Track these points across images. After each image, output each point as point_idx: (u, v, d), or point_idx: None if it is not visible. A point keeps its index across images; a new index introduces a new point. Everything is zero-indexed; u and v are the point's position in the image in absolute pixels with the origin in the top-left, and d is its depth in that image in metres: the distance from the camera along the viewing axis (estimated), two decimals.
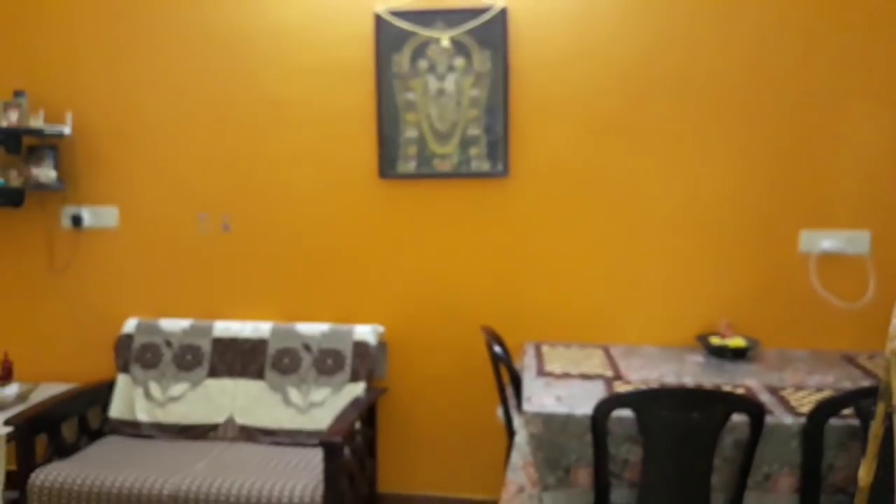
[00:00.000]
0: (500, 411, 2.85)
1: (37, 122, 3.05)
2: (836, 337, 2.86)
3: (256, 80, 3.10)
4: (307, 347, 3.01)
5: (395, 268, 3.11)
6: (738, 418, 2.00)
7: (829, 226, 2.84)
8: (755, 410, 1.97)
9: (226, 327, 3.10)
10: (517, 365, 2.71)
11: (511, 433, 2.52)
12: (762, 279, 2.90)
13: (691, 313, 2.95)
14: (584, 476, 2.09)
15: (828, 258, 2.85)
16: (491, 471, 3.08)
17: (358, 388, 2.92)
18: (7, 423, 2.62)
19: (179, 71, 3.15)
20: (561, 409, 2.10)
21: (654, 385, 2.32)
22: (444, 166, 2.98)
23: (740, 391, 2.25)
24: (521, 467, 2.09)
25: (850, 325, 2.85)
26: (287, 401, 2.95)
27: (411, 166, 3.00)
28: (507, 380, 2.52)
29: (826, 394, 2.22)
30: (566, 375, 2.45)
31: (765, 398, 2.18)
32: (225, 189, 3.17)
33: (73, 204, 3.24)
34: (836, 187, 2.83)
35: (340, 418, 2.64)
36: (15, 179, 3.07)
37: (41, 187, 3.09)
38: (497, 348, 2.48)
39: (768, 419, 2.00)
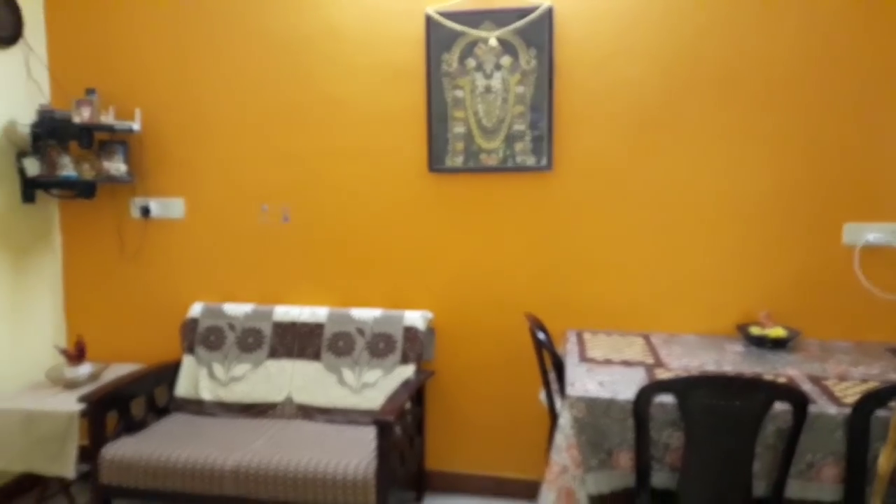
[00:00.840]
0: (542, 395, 2.95)
1: (108, 118, 3.22)
2: (881, 329, 2.88)
3: (314, 80, 3.23)
4: (361, 331, 3.15)
5: (443, 257, 3.23)
6: (780, 407, 2.04)
7: (874, 219, 2.85)
8: (798, 399, 1.99)
9: (285, 312, 3.26)
10: (559, 351, 2.81)
11: (553, 416, 2.61)
12: (804, 270, 2.93)
13: (731, 303, 3.00)
14: (625, 459, 2.16)
15: (872, 250, 2.86)
16: (533, 452, 3.20)
17: (408, 371, 3.06)
18: (80, 400, 2.77)
19: (242, 71, 3.29)
20: (604, 393, 2.18)
21: (695, 373, 2.38)
22: (490, 161, 3.08)
23: (782, 380, 2.30)
24: (564, 449, 2.18)
25: (895, 317, 2.87)
26: (342, 381, 3.10)
27: (459, 161, 3.11)
28: (550, 365, 2.61)
29: (871, 385, 2.23)
30: (608, 362, 2.53)
31: (807, 388, 2.21)
32: (285, 182, 3.31)
33: (141, 196, 3.43)
34: (880, 180, 2.84)
35: (392, 398, 2.77)
36: (88, 172, 3.25)
37: (112, 180, 3.27)
38: (541, 334, 2.58)
39: (812, 408, 2.03)
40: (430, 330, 3.22)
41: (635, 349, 2.72)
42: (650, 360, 2.55)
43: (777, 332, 2.75)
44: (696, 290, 3.03)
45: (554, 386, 2.66)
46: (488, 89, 3.04)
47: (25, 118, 3.26)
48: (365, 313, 3.19)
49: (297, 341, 3.20)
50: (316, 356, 3.16)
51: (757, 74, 2.89)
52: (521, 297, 3.17)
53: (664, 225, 3.03)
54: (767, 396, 2.02)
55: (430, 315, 3.20)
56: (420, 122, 3.15)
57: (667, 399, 2.10)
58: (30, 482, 3.29)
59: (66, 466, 2.86)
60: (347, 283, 3.32)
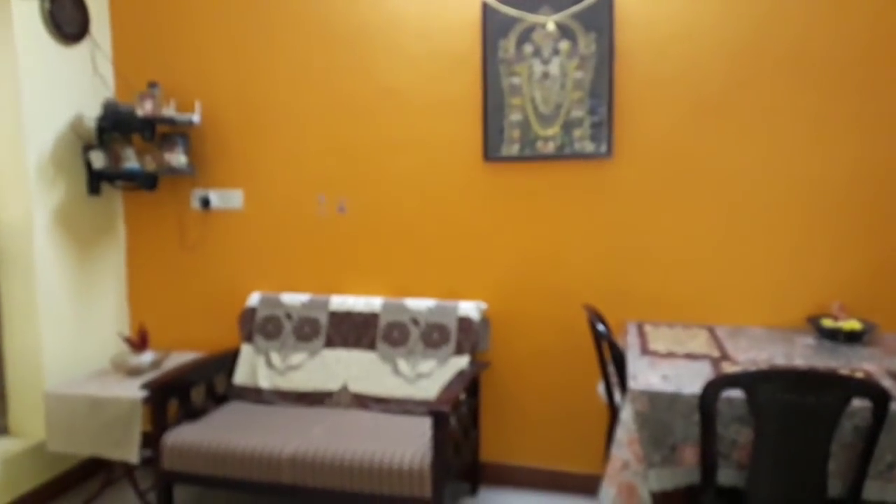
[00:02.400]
0: (600, 388, 2.89)
1: (169, 111, 3.28)
2: None
3: (371, 70, 3.23)
4: (415, 321, 3.14)
5: (498, 247, 3.19)
6: (858, 403, 1.94)
7: None
8: (879, 396, 1.89)
9: (341, 301, 3.27)
10: (620, 343, 2.74)
11: (612, 410, 2.55)
12: (882, 260, 2.79)
13: (801, 294, 2.88)
14: (690, 455, 2.10)
15: None
16: (590, 445, 3.14)
17: (462, 361, 3.03)
18: (143, 387, 2.83)
19: (300, 62, 3.31)
20: (668, 387, 2.12)
21: (764, 366, 2.29)
22: (547, 148, 3.02)
23: (859, 375, 2.19)
24: (626, 444, 2.13)
25: None
26: (396, 371, 3.10)
27: (515, 149, 3.06)
28: (609, 357, 2.55)
29: None
30: (671, 355, 2.46)
31: (887, 384, 2.10)
32: (341, 173, 3.32)
33: (201, 187, 3.49)
34: None
35: (447, 389, 2.74)
36: (149, 164, 3.32)
37: (173, 171, 3.33)
38: (600, 326, 2.52)
39: (894, 406, 1.93)
40: (485, 321, 3.19)
41: (699, 342, 2.63)
42: (716, 354, 2.47)
43: (852, 324, 2.63)
44: (763, 280, 2.91)
45: (613, 379, 2.60)
46: (546, 75, 2.99)
47: (91, 112, 3.35)
48: (419, 303, 3.18)
49: (353, 331, 3.21)
50: (371, 346, 3.17)
51: (829, 54, 2.76)
52: (578, 288, 3.11)
53: (730, 212, 2.92)
54: (845, 392, 1.92)
55: (484, 306, 3.16)
56: (476, 110, 3.11)
57: (735, 394, 2.02)
58: (96, 466, 3.39)
59: (131, 451, 2.93)
60: (402, 274, 3.31)
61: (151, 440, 2.84)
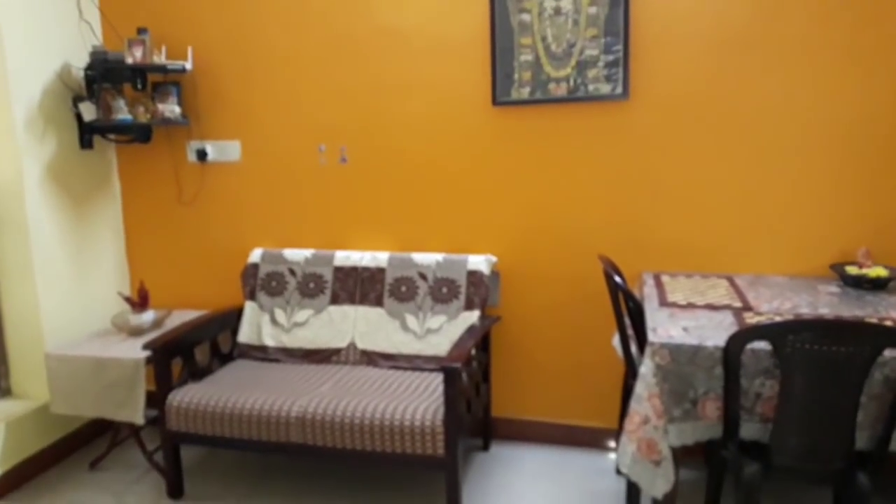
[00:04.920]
0: (615, 341, 2.81)
1: (159, 58, 3.14)
2: None
3: (370, 10, 3.07)
4: (423, 276, 3.05)
5: (509, 197, 3.07)
6: (890, 353, 1.87)
7: None
8: None
9: (346, 256, 3.17)
10: (636, 295, 2.65)
11: (628, 363, 2.48)
12: None
13: (825, 241, 2.76)
14: (711, 409, 2.03)
15: None
16: (605, 399, 3.08)
17: (472, 316, 2.95)
18: (145, 347, 2.77)
19: (295, 3, 3.15)
20: (689, 340, 2.03)
21: (788, 316, 2.20)
22: (559, 90, 2.87)
23: (888, 324, 2.10)
24: (645, 398, 2.05)
25: None
26: (405, 327, 3.01)
27: (525, 92, 2.91)
28: (626, 310, 2.46)
29: None
30: (691, 306, 2.36)
31: None
32: (342, 121, 3.19)
33: (197, 139, 3.37)
34: None
35: (458, 345, 2.67)
36: (142, 115, 3.19)
37: (167, 122, 3.20)
38: (617, 278, 2.42)
39: None
40: (495, 274, 3.09)
41: (719, 292, 2.53)
42: (737, 304, 2.37)
43: (877, 271, 2.53)
44: (785, 226, 2.80)
45: (629, 332, 2.51)
46: (557, 11, 2.82)
47: (79, 62, 3.20)
48: (427, 258, 3.08)
49: (359, 286, 3.12)
50: (378, 301, 3.08)
51: None
52: (592, 238, 3.00)
53: (752, 155, 2.79)
54: (876, 342, 1.84)
55: (494, 259, 3.06)
56: (483, 50, 2.95)
57: (760, 345, 1.93)
58: (103, 426, 3.35)
59: (135, 412, 2.88)
60: (408, 226, 3.20)
61: (156, 400, 2.78)
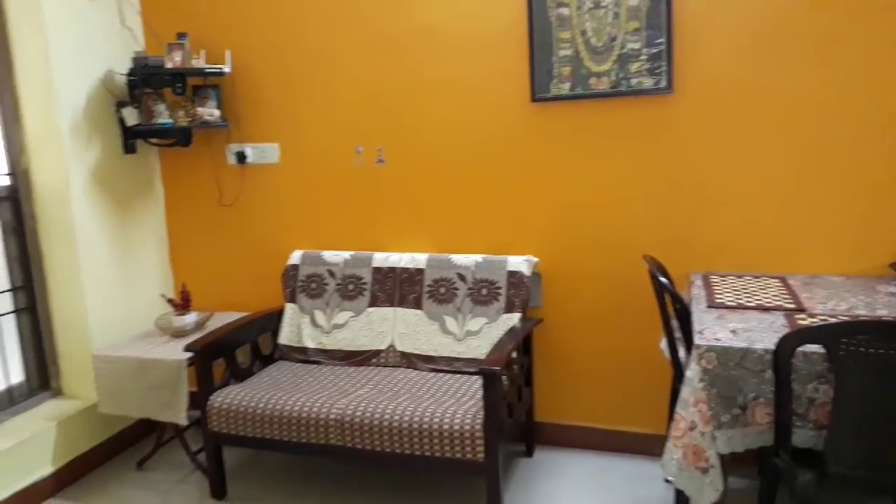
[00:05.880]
0: (663, 344, 2.72)
1: (198, 62, 3.17)
2: None
3: (409, 9, 3.03)
4: (462, 277, 3.00)
5: (549, 195, 3.00)
6: None
7: None
8: None
9: (384, 258, 3.15)
10: (684, 296, 2.56)
11: (676, 367, 2.39)
12: None
13: (883, 238, 2.62)
14: (762, 415, 1.94)
15: None
16: (652, 404, 2.98)
17: (513, 318, 2.89)
18: (186, 349, 2.80)
19: (332, 5, 3.14)
20: (737, 343, 1.94)
21: (844, 318, 2.09)
22: (600, 85, 2.80)
23: None
24: (691, 403, 1.97)
25: None
26: (444, 329, 2.98)
27: (565, 87, 2.84)
28: (673, 312, 2.38)
29: None
30: (740, 307, 2.26)
31: None
32: (379, 122, 3.17)
33: (236, 142, 3.39)
34: None
35: (498, 347, 2.62)
36: (182, 119, 3.23)
37: (207, 125, 3.23)
38: (662, 278, 2.34)
39: None
40: (536, 275, 3.03)
41: (771, 292, 2.42)
42: (789, 305, 2.26)
43: None
44: (841, 224, 2.66)
45: (677, 334, 2.42)
46: (597, 4, 2.74)
47: (121, 67, 3.25)
48: (466, 259, 3.03)
49: (398, 288, 3.09)
50: (417, 303, 3.05)
51: None
52: (637, 238, 2.91)
53: (805, 150, 2.66)
54: None
55: (535, 259, 3.00)
56: (521, 46, 2.89)
57: (813, 349, 1.84)
58: (149, 427, 3.40)
59: (178, 413, 2.92)
60: (446, 227, 3.16)
61: (198, 401, 2.81)
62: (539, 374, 3.14)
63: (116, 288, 3.30)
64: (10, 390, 3.04)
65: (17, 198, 3.04)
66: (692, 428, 1.96)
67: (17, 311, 3.07)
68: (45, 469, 2.93)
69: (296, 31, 3.21)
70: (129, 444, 3.37)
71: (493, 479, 2.44)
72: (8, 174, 3.01)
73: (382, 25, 3.08)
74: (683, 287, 2.75)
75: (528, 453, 3.11)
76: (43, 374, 3.18)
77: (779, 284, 2.52)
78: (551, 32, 2.81)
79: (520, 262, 2.95)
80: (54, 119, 2.98)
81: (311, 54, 3.21)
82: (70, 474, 3.04)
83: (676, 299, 2.29)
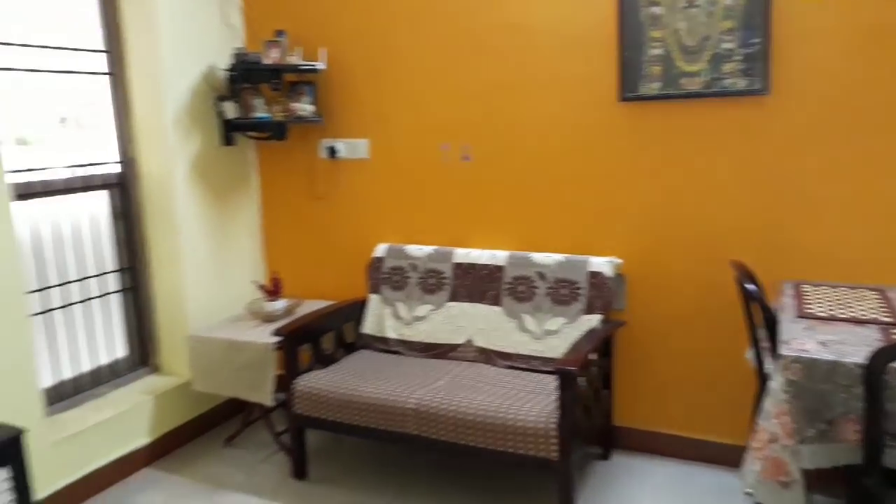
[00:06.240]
0: (750, 353, 2.63)
1: (294, 58, 3.29)
2: None
3: (497, 6, 3.05)
4: (542, 276, 3.00)
5: (636, 196, 2.95)
6: None
7: None
8: None
9: (465, 254, 3.19)
10: (773, 305, 2.47)
11: (762, 377, 2.32)
12: None
13: None
14: (850, 431, 1.85)
15: None
16: (736, 414, 2.89)
17: (593, 320, 2.86)
18: (275, 333, 2.93)
19: (424, 4, 3.19)
20: (826, 355, 1.86)
21: None
22: (692, 85, 2.73)
23: None
24: (774, 416, 1.91)
25: None
26: (522, 327, 2.98)
27: (655, 87, 2.79)
28: (760, 320, 2.30)
29: None
30: (832, 319, 2.17)
31: None
32: (465, 119, 3.20)
33: (329, 137, 3.50)
34: None
35: (575, 348, 2.61)
36: (278, 114, 3.35)
37: (301, 120, 3.35)
38: (749, 286, 2.27)
39: None
40: (620, 277, 2.99)
41: (867, 304, 2.30)
42: (886, 318, 2.15)
43: None
44: None
45: (764, 344, 2.34)
46: (691, 3, 2.67)
47: (222, 63, 3.42)
48: (547, 257, 3.02)
49: (477, 284, 3.12)
50: (496, 300, 3.07)
51: None
52: (726, 243, 2.82)
53: None
54: None
55: (618, 261, 2.96)
56: (610, 44, 2.86)
57: None
58: (238, 407, 3.56)
59: (265, 394, 3.04)
60: (528, 225, 3.16)
61: (284, 384, 2.93)
62: (619, 378, 3.10)
63: (212, 273, 3.48)
64: (114, 364, 3.26)
65: (126, 185, 3.25)
66: (773, 440, 1.90)
67: (122, 291, 3.29)
68: (141, 440, 3.13)
69: (387, 29, 3.28)
70: (219, 421, 3.55)
71: (565, 478, 2.44)
72: (118, 162, 3.23)
73: (471, 23, 3.11)
74: (774, 296, 2.65)
75: (605, 456, 3.07)
76: (143, 351, 3.39)
77: (876, 296, 2.40)
78: (642, 31, 2.76)
79: (602, 263, 2.92)
80: (160, 111, 3.17)
81: (402, 52, 3.27)
82: (163, 446, 3.23)
83: (764, 307, 2.21)
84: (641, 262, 2.98)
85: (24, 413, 2.57)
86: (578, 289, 2.92)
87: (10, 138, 2.83)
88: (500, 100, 3.11)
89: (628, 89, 2.83)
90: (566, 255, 3.01)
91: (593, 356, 2.73)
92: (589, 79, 2.93)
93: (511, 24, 3.03)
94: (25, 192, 2.79)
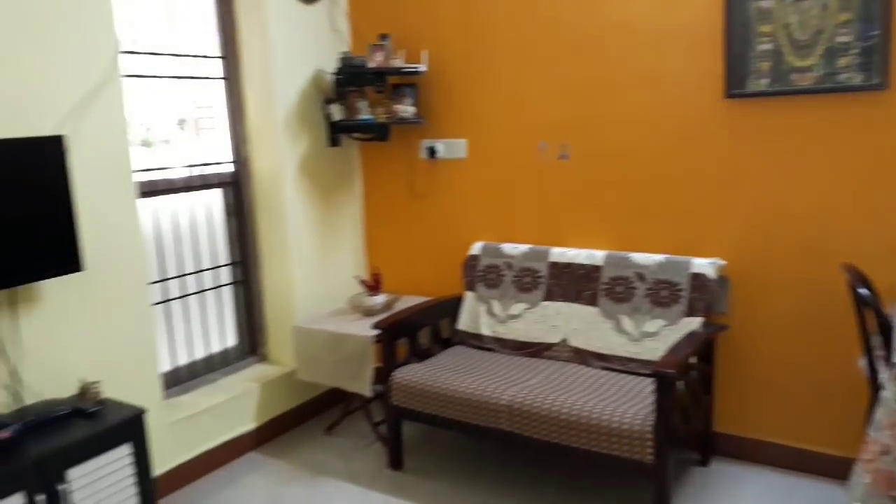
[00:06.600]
0: (862, 362, 2.50)
1: (397, 62, 3.39)
2: None
3: (598, 4, 3.03)
4: (641, 277, 2.95)
5: (741, 196, 2.86)
6: None
7: None
8: None
9: (561, 253, 3.18)
10: (888, 311, 2.34)
11: (875, 387, 2.20)
12: None
13: None
14: None
15: None
16: (846, 425, 2.75)
17: (694, 323, 2.80)
18: (374, 326, 3.04)
19: (525, 4, 3.20)
20: None
21: None
22: (803, 81, 2.61)
23: None
24: (886, 426, 1.81)
25: None
26: (619, 328, 2.95)
27: (763, 83, 2.69)
28: (874, 327, 2.18)
29: None
30: None
31: None
32: (564, 118, 3.19)
33: (429, 137, 3.58)
34: None
35: (674, 350, 2.56)
36: (382, 115, 3.46)
37: (403, 122, 3.44)
38: (863, 290, 2.15)
39: None
40: (723, 279, 2.90)
41: None
42: None
43: None
44: None
45: (878, 352, 2.22)
46: None
47: (329, 67, 3.56)
48: (646, 258, 2.98)
49: (574, 284, 3.11)
50: (592, 300, 3.04)
51: None
52: (837, 245, 2.69)
53: None
54: None
55: (721, 262, 2.88)
56: (715, 40, 2.78)
57: None
58: (338, 397, 3.70)
59: (363, 385, 3.15)
60: (627, 225, 3.12)
61: (382, 376, 3.03)
62: (721, 383, 3.01)
63: (317, 267, 3.63)
64: (225, 352, 3.47)
65: (239, 183, 3.45)
66: (885, 452, 1.80)
67: (234, 284, 3.49)
68: (248, 424, 3.31)
69: (487, 30, 3.32)
70: (320, 410, 3.70)
71: (661, 482, 2.40)
72: (232, 162, 3.42)
73: (571, 22, 3.10)
74: (890, 301, 2.50)
75: (704, 463, 2.99)
76: (252, 341, 3.59)
77: None
78: (750, 26, 2.67)
79: (705, 265, 2.85)
80: (272, 114, 3.34)
81: (500, 52, 3.30)
82: (268, 432, 3.40)
83: (878, 313, 2.10)
84: (746, 264, 2.89)
85: (145, 395, 2.78)
86: (679, 290, 2.86)
87: (136, 140, 3.06)
88: (600, 97, 3.09)
89: (735, 86, 2.75)
90: (667, 255, 2.95)
91: (693, 360, 2.67)
92: (692, 75, 2.86)
93: (612, 22, 3.00)
94: (149, 190, 3.01)
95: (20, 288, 2.36)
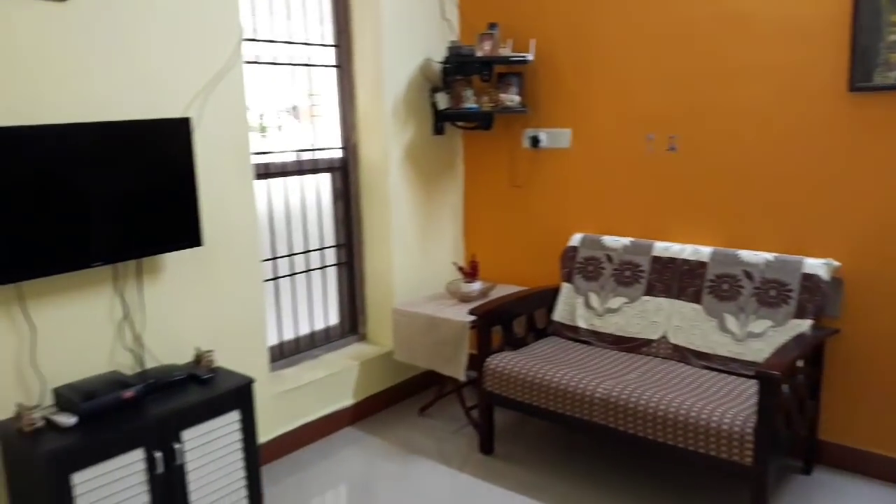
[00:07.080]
0: None
1: (505, 51, 3.40)
2: None
3: None
4: (749, 275, 2.86)
5: (861, 195, 2.71)
6: None
7: None
8: None
9: (665, 247, 3.12)
10: None
11: None
12: None
13: None
14: None
15: None
16: None
17: (803, 325, 2.69)
18: (470, 312, 3.08)
19: None
20: None
21: None
22: None
23: None
24: None
25: None
26: (723, 327, 2.87)
27: (893, 76, 2.53)
28: None
29: None
30: None
31: None
32: (673, 109, 3.12)
33: (532, 126, 3.58)
34: None
35: (780, 352, 2.47)
36: (486, 105, 3.49)
37: (507, 111, 3.45)
38: None
39: None
40: (837, 281, 2.77)
41: None
42: None
43: None
44: None
45: None
46: None
47: (438, 56, 3.61)
48: (755, 256, 2.87)
49: (676, 279, 3.04)
50: (696, 297, 2.97)
51: None
52: None
53: None
54: None
55: (836, 264, 2.75)
56: (840, 30, 2.64)
57: None
58: (432, 379, 3.78)
59: (458, 370, 3.21)
60: (736, 221, 3.02)
61: (476, 362, 3.07)
62: (829, 389, 2.87)
63: (417, 252, 3.71)
64: (328, 330, 3.61)
65: (346, 168, 3.57)
66: None
67: (338, 265, 3.62)
68: (347, 400, 3.43)
69: (596, 18, 3.28)
70: (415, 391, 3.79)
71: (759, 487, 2.33)
72: (341, 148, 3.54)
73: (683, 12, 3.02)
74: None
75: (807, 471, 2.88)
76: (353, 320, 3.71)
77: None
78: (880, 15, 2.52)
79: (817, 265, 2.73)
80: (381, 101, 3.43)
81: (609, 41, 3.26)
82: (365, 409, 3.52)
83: None
84: (863, 266, 2.74)
85: (253, 366, 2.94)
86: (789, 291, 2.75)
87: (253, 125, 3.21)
88: (713, 89, 3.00)
89: (860, 79, 2.60)
90: (777, 254, 2.84)
91: (800, 363, 2.57)
92: (812, 67, 2.73)
93: (726, 11, 2.90)
94: (263, 173, 3.17)
95: (145, 259, 2.54)
